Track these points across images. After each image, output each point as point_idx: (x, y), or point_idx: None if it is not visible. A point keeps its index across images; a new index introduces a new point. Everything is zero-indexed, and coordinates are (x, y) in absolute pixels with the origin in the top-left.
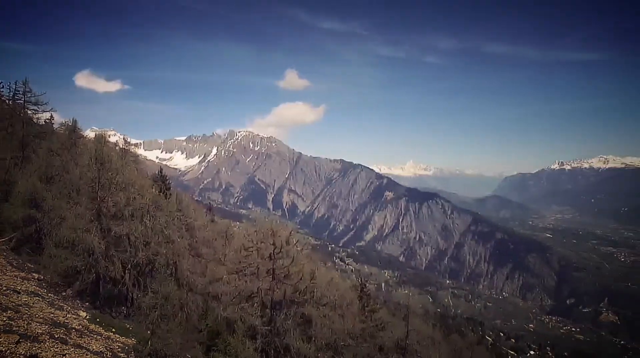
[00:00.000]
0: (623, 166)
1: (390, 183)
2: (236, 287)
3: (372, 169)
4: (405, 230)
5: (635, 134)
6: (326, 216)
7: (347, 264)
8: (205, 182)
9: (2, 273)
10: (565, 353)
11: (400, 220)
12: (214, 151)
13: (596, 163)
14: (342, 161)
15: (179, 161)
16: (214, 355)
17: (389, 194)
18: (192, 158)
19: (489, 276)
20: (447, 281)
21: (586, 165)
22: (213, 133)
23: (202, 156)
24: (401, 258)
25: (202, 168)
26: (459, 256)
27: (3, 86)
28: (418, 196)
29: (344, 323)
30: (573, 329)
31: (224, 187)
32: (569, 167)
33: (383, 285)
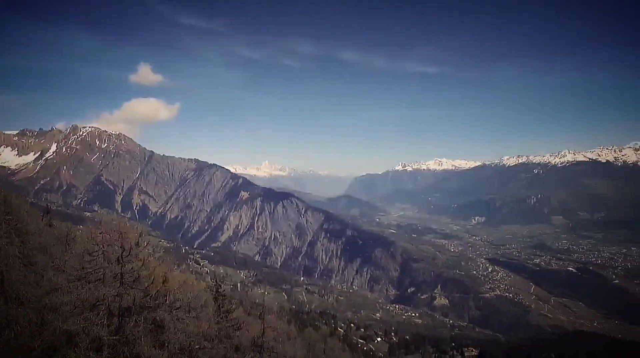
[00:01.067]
0: (453, 167)
1: (245, 183)
2: (78, 296)
3: (227, 169)
4: (260, 230)
5: (462, 139)
6: (180, 217)
7: (202, 266)
8: (42, 182)
9: None
10: (407, 337)
11: (256, 220)
12: (54, 147)
13: (432, 164)
14: (197, 160)
15: (8, 158)
16: None
17: (244, 194)
18: (25, 155)
19: (341, 271)
20: (302, 278)
21: (424, 167)
22: (52, 128)
23: (39, 153)
24: (257, 258)
25: (39, 166)
26: (313, 254)
27: None
28: (273, 196)
29: (199, 325)
30: (413, 314)
31: (65, 188)
32: (410, 168)
33: (239, 285)
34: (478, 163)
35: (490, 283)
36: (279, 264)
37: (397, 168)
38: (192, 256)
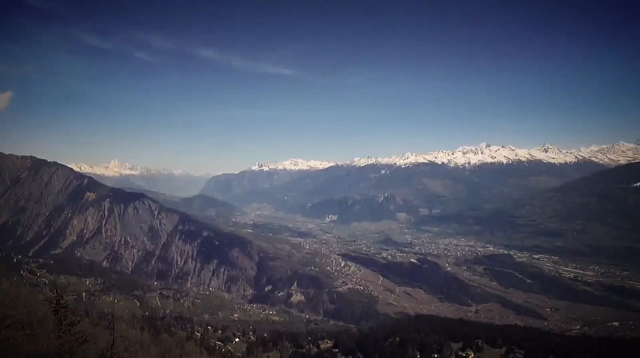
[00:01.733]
0: (309, 168)
1: (92, 183)
2: None
3: (70, 168)
4: (109, 233)
5: (317, 141)
6: (10, 222)
7: (40, 276)
8: None
9: None
10: (265, 335)
11: (104, 223)
12: None
13: (289, 165)
14: (33, 157)
15: None
16: None
17: (90, 195)
18: None
19: (197, 273)
20: (155, 283)
21: (281, 167)
22: None
23: None
24: (105, 263)
25: None
26: (167, 257)
27: None
28: (124, 197)
29: (36, 343)
30: (271, 312)
31: None
32: (266, 168)
33: (84, 294)
34: (331, 164)
35: (343, 277)
36: (130, 269)
37: (253, 168)
38: (26, 266)
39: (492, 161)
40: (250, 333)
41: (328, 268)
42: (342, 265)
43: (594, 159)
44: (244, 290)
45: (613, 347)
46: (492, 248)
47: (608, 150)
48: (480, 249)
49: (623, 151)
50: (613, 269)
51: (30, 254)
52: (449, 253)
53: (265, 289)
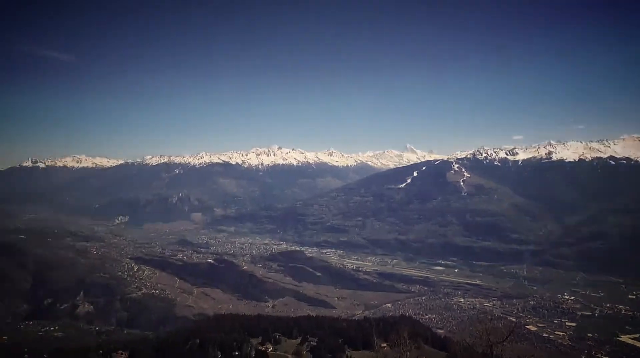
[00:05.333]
0: (94, 165)
1: None
2: None
3: None
4: None
5: (104, 137)
6: None
7: None
8: None
9: None
10: (45, 355)
11: None
12: None
13: (70, 161)
14: None
15: None
16: None
17: None
18: None
19: None
20: None
21: (61, 164)
22: None
23: None
24: None
25: None
26: None
27: None
28: None
29: None
30: (52, 328)
31: None
32: (43, 165)
33: None
34: (120, 162)
35: (136, 282)
36: None
37: (25, 164)
38: None
39: (284, 162)
40: (26, 356)
41: (119, 273)
42: (135, 269)
43: (369, 163)
44: (16, 306)
45: (387, 325)
46: (285, 245)
47: (380, 156)
48: (275, 246)
49: (391, 157)
50: (386, 258)
51: None
52: (245, 252)
53: (45, 302)
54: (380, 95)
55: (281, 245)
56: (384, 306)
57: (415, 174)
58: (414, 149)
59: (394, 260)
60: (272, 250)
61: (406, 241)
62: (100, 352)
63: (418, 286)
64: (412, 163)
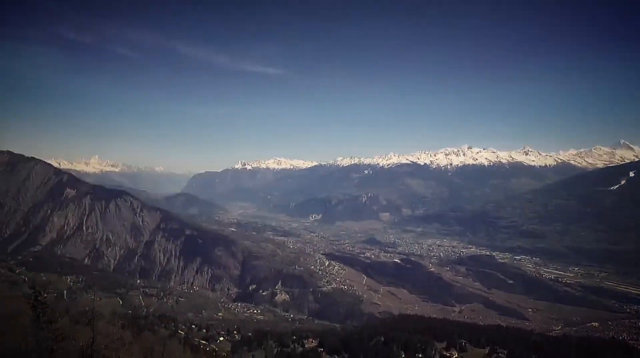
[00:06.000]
0: (292, 167)
1: (72, 180)
2: None
3: (49, 164)
4: (90, 230)
5: (301, 141)
6: None
7: (18, 273)
8: None
9: None
10: (250, 334)
11: (85, 220)
12: None
13: (272, 164)
14: (9, 153)
15: None
16: None
17: (70, 192)
18: None
19: (180, 272)
20: (138, 281)
21: (264, 166)
22: None
23: None
24: (86, 261)
25: None
26: (150, 255)
27: None
28: (105, 194)
29: (12, 339)
30: (255, 312)
31: None
32: (250, 167)
33: (65, 292)
34: (315, 163)
35: (327, 277)
36: (112, 267)
37: (236, 167)
38: (4, 263)
39: (474, 163)
40: (235, 332)
41: (312, 267)
42: (326, 264)
43: (572, 162)
44: (228, 289)
45: (593, 347)
46: (474, 249)
47: (586, 154)
48: (463, 250)
49: (600, 155)
50: (592, 270)
51: (9, 251)
52: (432, 253)
53: (250, 288)
54: (584, 82)
55: (470, 248)
56: (588, 324)
57: (631, 174)
58: (630, 146)
59: (603, 273)
60: (460, 253)
61: (618, 252)
62: (294, 337)
63: (635, 307)
64: (628, 161)
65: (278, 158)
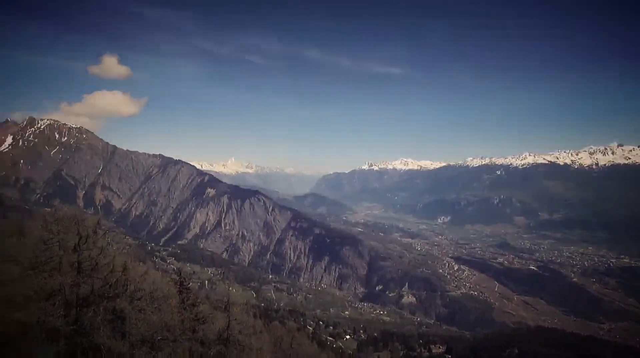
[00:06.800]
0: (419, 168)
1: (212, 180)
2: (32, 286)
3: (193, 166)
4: (228, 227)
5: (427, 140)
6: (145, 214)
7: (169, 263)
8: None
9: None
10: (375, 334)
11: (223, 217)
12: (9, 140)
13: (398, 164)
14: (161, 156)
15: None
16: None
17: (211, 191)
18: None
19: (309, 269)
20: (270, 276)
21: (390, 166)
22: (7, 119)
23: None
24: (224, 255)
25: None
26: (281, 252)
27: None
28: (240, 193)
29: (161, 317)
30: (381, 312)
31: (22, 182)
32: (376, 168)
33: (206, 282)
34: (443, 164)
35: (456, 281)
36: (247, 262)
37: (363, 167)
38: (158, 254)
39: (626, 162)
40: (361, 331)
41: (440, 270)
42: (455, 268)
43: None
44: (354, 289)
45: None
46: (627, 260)
47: None
48: (613, 260)
49: None
50: None
51: (161, 243)
52: (574, 262)
53: (376, 288)
54: None
55: (621, 258)
56: None
57: None
58: None
59: None
60: (609, 263)
61: None
62: (420, 341)
63: None
64: None
65: (405, 159)
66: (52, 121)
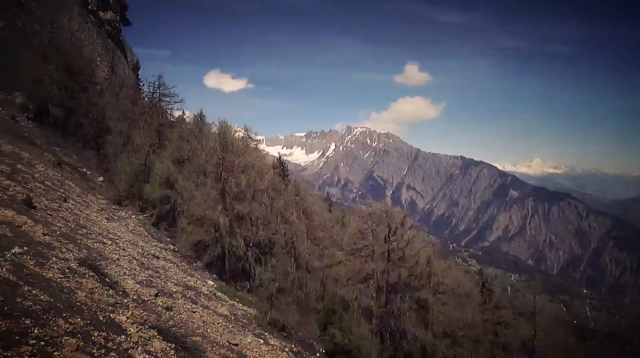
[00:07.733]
0: None
1: (515, 181)
2: (351, 269)
3: (494, 167)
4: (533, 232)
5: None
6: (446, 214)
7: (470, 265)
8: (324, 177)
9: (145, 242)
10: None
11: (528, 221)
12: (332, 146)
13: None
14: (462, 157)
15: (299, 156)
16: (330, 330)
17: (514, 193)
18: (311, 153)
19: (638, 289)
20: (584, 291)
21: None
22: (331, 129)
23: (321, 152)
24: (529, 262)
25: (321, 163)
26: (598, 264)
27: (143, 84)
28: (547, 196)
29: (463, 313)
30: None
31: (342, 182)
32: None
33: (509, 288)
34: None
35: None
36: (555, 271)
37: None
38: (459, 254)
39: None
40: None
41: None
42: None
43: None
44: None
45: None
46: None
47: None
48: None
49: None
50: None
51: (462, 244)
52: None
53: None
54: None
55: None
56: None
57: None
58: None
59: None
60: None
61: None
62: None
63: None
64: None
65: None
66: (365, 128)
